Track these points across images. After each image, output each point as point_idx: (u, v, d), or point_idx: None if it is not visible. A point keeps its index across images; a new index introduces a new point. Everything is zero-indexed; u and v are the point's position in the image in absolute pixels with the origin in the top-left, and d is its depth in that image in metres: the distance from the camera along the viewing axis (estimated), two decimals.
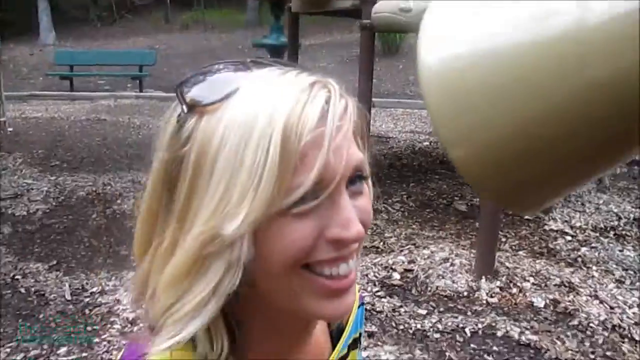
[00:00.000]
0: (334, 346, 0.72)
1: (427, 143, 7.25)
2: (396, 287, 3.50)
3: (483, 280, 3.53)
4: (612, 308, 3.26)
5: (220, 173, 0.49)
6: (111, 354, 2.84)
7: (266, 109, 0.49)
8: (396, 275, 3.61)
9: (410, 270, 3.66)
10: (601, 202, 4.92)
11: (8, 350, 2.86)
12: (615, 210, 4.76)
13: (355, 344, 0.77)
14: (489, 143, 0.52)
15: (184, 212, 0.52)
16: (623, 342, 2.95)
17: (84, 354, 2.84)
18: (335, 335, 0.73)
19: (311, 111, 0.49)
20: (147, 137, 7.47)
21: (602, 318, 3.15)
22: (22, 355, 2.83)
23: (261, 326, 0.60)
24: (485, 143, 0.52)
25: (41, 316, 3.19)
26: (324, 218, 0.52)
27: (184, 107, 0.53)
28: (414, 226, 4.38)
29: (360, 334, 0.79)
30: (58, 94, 11.16)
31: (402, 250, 3.94)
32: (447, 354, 2.84)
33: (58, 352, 2.86)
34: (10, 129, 7.43)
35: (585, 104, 0.48)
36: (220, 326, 0.56)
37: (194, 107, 0.52)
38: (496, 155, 0.53)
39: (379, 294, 3.39)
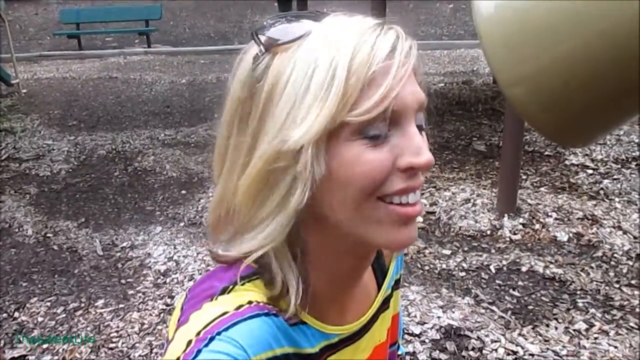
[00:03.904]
0: (378, 287, 0.75)
1: (442, 85, 7.17)
2: (419, 230, 3.54)
3: (505, 218, 3.56)
4: (635, 238, 3.28)
5: (288, 95, 0.54)
6: (147, 305, 2.94)
7: (336, 41, 0.54)
8: (419, 218, 3.65)
9: (433, 213, 3.70)
10: (622, 133, 4.87)
11: (48, 304, 2.97)
12: (637, 141, 4.72)
13: (397, 284, 0.81)
14: (544, 79, 0.56)
15: (255, 138, 0.57)
16: None
17: (121, 305, 2.95)
18: (378, 277, 0.76)
19: (382, 44, 0.54)
20: (160, 94, 7.46)
21: (626, 248, 3.18)
22: (62, 308, 2.94)
23: (323, 261, 0.63)
24: (541, 79, 0.56)
25: (76, 271, 3.30)
26: (397, 148, 0.55)
27: (261, 47, 0.57)
28: (433, 169, 4.39)
29: (400, 276, 0.82)
30: (67, 54, 11.11)
31: (423, 193, 3.97)
32: (473, 290, 2.91)
33: (96, 304, 2.97)
34: (24, 91, 7.46)
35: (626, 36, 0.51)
36: (287, 261, 0.59)
37: (270, 47, 0.57)
38: (550, 91, 0.56)
39: None
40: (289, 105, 0.54)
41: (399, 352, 0.88)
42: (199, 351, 0.53)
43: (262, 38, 0.57)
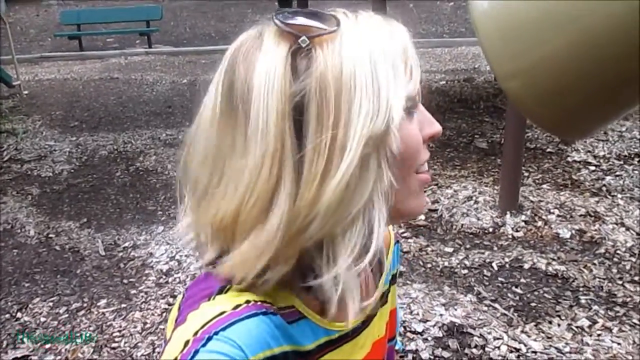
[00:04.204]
0: (375, 282, 0.75)
1: (444, 82, 7.16)
2: (422, 228, 3.54)
3: (508, 215, 3.55)
4: (638, 234, 3.27)
5: (361, 81, 0.54)
6: (149, 304, 2.94)
7: (376, 28, 0.58)
8: (421, 216, 3.65)
9: (435, 210, 3.69)
10: (624, 129, 4.85)
11: (50, 304, 2.98)
12: (639, 137, 4.70)
13: (394, 279, 0.82)
14: (538, 73, 0.56)
15: (334, 133, 0.53)
16: None
17: (123, 305, 2.95)
18: (375, 272, 0.76)
19: (409, 39, 0.60)
20: (161, 94, 7.46)
21: (629, 245, 3.17)
22: (64, 308, 2.94)
23: None
24: (535, 73, 0.56)
25: (78, 271, 3.30)
26: (419, 122, 0.62)
27: (304, 37, 0.55)
28: (435, 166, 4.39)
29: (397, 271, 0.82)
30: (68, 55, 11.11)
31: (425, 191, 3.96)
32: (475, 288, 2.90)
33: (98, 304, 2.97)
34: (26, 92, 7.46)
35: (613, 30, 0.52)
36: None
37: (315, 37, 0.55)
38: (544, 85, 0.57)
39: (405, 235, 3.43)
40: (367, 90, 0.54)
41: (397, 347, 0.88)
42: (196, 351, 0.52)
43: (302, 29, 0.55)
